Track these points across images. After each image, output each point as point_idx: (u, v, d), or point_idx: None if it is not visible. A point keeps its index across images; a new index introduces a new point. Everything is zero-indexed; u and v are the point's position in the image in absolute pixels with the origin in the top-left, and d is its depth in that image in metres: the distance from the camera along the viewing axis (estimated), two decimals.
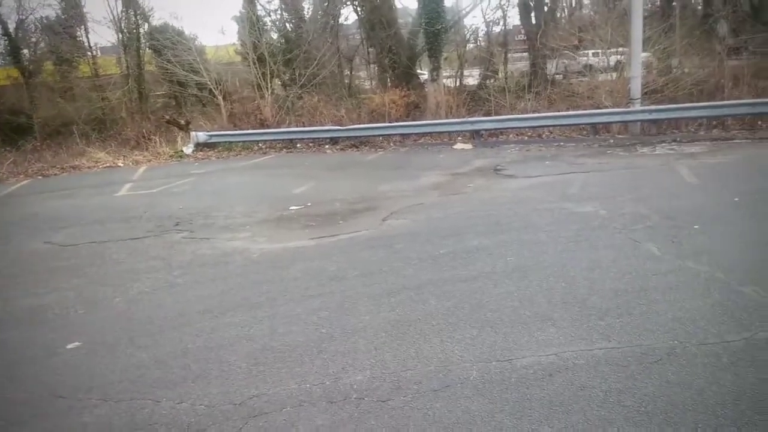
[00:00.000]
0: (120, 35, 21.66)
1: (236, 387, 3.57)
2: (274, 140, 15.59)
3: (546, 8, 19.21)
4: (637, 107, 12.81)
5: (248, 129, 16.18)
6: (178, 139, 16.40)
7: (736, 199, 7.03)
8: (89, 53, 22.93)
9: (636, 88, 12.91)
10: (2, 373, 4.06)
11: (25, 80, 20.90)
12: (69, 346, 4.40)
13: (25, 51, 21.68)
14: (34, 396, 3.70)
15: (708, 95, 13.52)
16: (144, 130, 18.00)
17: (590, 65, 21.57)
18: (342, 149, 14.45)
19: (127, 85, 21.11)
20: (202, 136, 15.59)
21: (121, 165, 14.89)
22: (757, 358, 3.39)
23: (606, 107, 13.62)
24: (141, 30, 21.17)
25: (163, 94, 22.47)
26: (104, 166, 14.89)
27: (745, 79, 13.86)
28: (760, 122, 12.35)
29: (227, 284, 5.55)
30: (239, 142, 15.71)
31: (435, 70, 16.32)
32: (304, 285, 5.31)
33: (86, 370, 4.00)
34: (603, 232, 6.10)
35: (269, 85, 17.63)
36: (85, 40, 22.95)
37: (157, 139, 16.49)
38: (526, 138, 13.69)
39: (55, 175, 14.32)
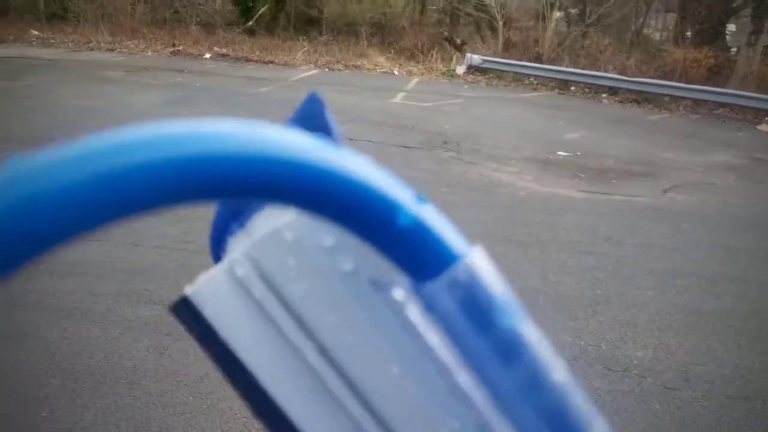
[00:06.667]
0: None
1: None
2: (547, 77, 14.96)
3: None
4: None
5: (521, 60, 15.71)
6: (453, 57, 16.60)
7: None
8: None
9: None
10: None
11: None
12: None
13: None
14: None
15: None
16: (420, 43, 18.56)
17: None
18: (620, 101, 13.32)
19: None
20: (476, 59, 15.53)
21: (396, 73, 15.63)
22: None
23: None
24: None
25: (439, 9, 22.77)
26: (381, 70, 15.77)
27: None
28: None
29: (495, 214, 5.55)
30: (511, 72, 15.37)
31: (755, 33, 13.90)
32: (576, 238, 5.08)
33: None
34: None
35: (552, 17, 16.77)
36: None
37: (433, 54, 16.87)
38: None
39: (339, 70, 15.57)
